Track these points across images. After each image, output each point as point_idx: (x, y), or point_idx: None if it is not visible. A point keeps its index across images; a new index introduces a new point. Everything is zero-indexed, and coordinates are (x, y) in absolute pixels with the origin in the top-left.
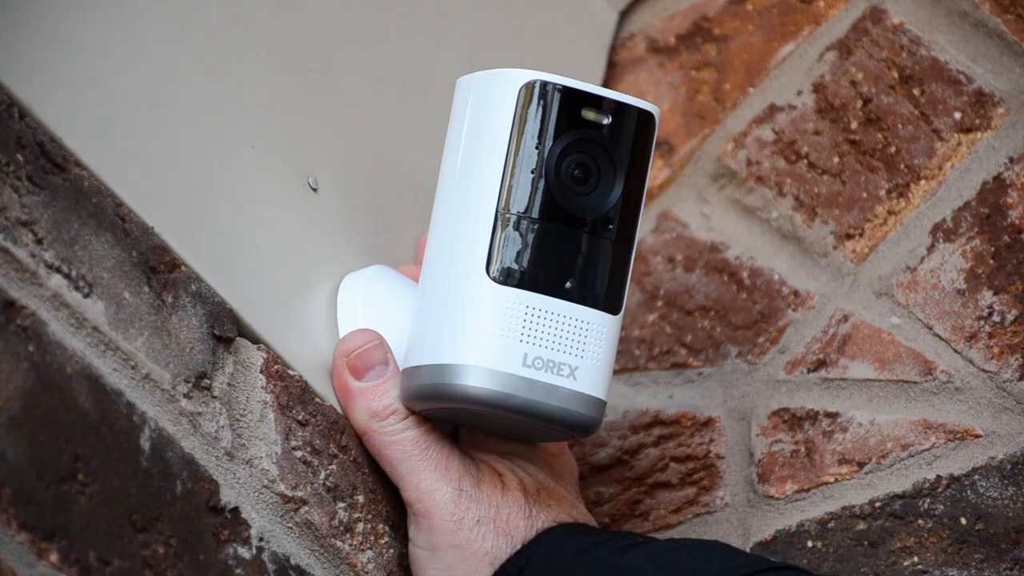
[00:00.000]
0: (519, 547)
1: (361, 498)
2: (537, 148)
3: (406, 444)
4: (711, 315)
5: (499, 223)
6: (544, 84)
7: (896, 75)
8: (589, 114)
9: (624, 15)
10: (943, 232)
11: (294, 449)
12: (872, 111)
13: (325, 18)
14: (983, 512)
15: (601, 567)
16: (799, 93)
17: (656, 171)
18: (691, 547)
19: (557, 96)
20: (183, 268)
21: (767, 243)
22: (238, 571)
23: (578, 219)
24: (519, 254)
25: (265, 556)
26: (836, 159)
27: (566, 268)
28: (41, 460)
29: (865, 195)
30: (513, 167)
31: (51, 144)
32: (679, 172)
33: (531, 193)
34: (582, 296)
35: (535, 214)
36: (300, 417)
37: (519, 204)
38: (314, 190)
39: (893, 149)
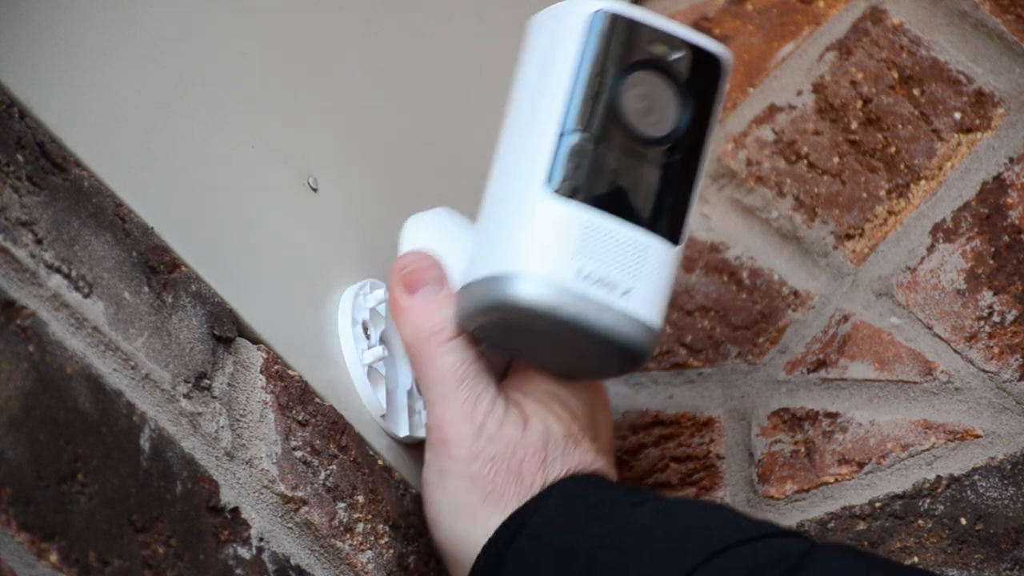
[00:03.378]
0: (528, 489)
1: (361, 498)
2: (604, 74)
3: (444, 369)
4: (711, 315)
5: (562, 140)
6: (615, 15)
7: (896, 75)
8: (659, 48)
9: None
10: (943, 232)
11: (294, 449)
12: (872, 111)
13: (325, 18)
14: (983, 512)
15: (610, 522)
16: (799, 93)
17: None
18: (701, 508)
19: (628, 28)
20: (183, 268)
21: (767, 243)
22: (238, 571)
23: (643, 144)
24: (581, 172)
25: (265, 556)
26: (836, 159)
27: (628, 190)
28: (41, 460)
29: (865, 195)
30: (580, 90)
31: (51, 144)
32: None
33: (597, 116)
34: (643, 220)
35: (599, 136)
36: (300, 417)
37: (584, 124)
38: (314, 190)
39: (893, 149)
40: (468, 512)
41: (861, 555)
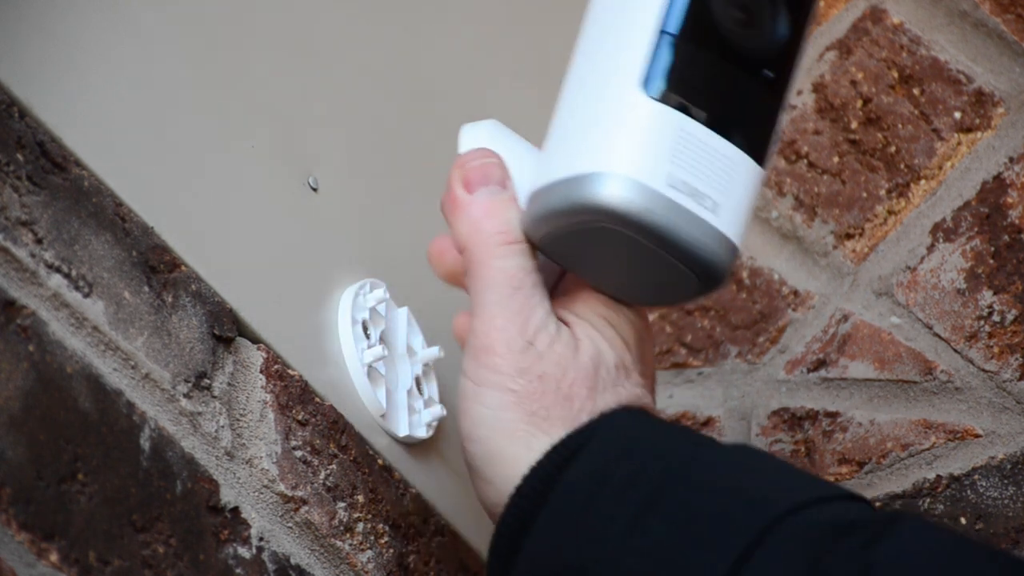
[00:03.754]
0: (576, 415)
1: (361, 498)
2: None
3: (501, 273)
4: (711, 315)
5: (659, 43)
6: None
7: (896, 75)
8: None
9: None
10: (943, 232)
11: (294, 449)
12: (872, 111)
13: (325, 17)
14: (983, 512)
15: (678, 457)
16: (799, 93)
17: None
18: (769, 458)
19: None
20: (183, 268)
21: (767, 243)
22: (238, 571)
23: (738, 58)
24: (676, 77)
25: (265, 556)
26: (836, 159)
27: (721, 103)
28: (41, 460)
29: (865, 195)
30: None
31: (51, 144)
32: None
33: (695, 23)
34: (733, 135)
35: (697, 43)
36: (300, 417)
37: (682, 30)
38: (314, 190)
39: (893, 149)
40: (508, 429)
41: (947, 531)
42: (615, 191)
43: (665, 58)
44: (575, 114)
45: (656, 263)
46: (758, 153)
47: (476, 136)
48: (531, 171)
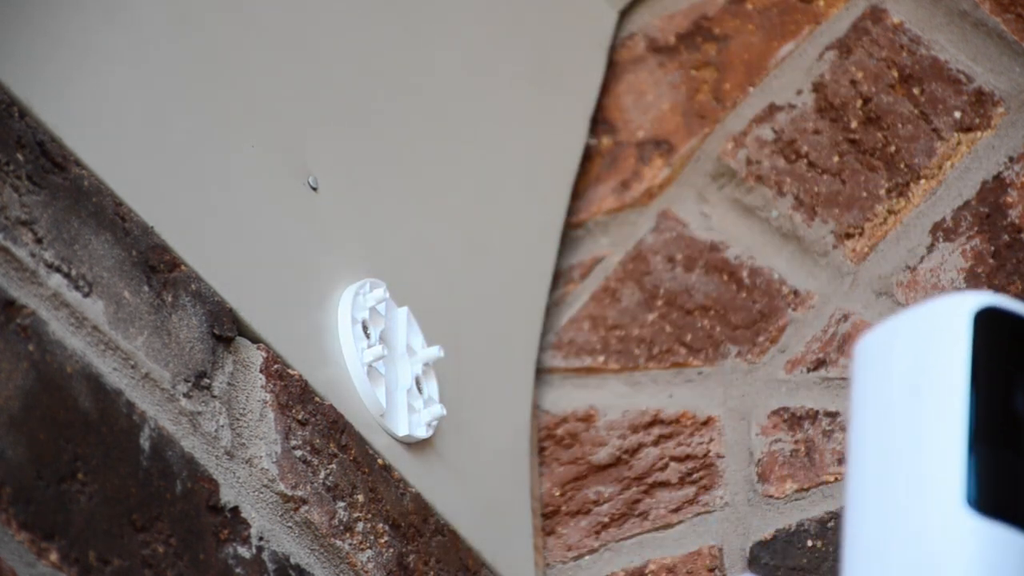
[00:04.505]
0: None
1: (361, 497)
2: (1002, 379)
3: None
4: (711, 315)
5: (973, 453)
6: (1003, 312)
7: (896, 74)
8: None
9: (624, 15)
10: (943, 231)
11: (294, 448)
12: (872, 110)
13: (325, 17)
14: None
15: None
16: (799, 92)
17: (656, 171)
18: None
19: (1018, 324)
20: (183, 268)
21: (767, 242)
22: (238, 570)
23: None
24: (1004, 488)
25: (265, 555)
26: (836, 158)
27: None
28: (41, 460)
29: (865, 194)
30: (980, 398)
31: (51, 144)
32: (679, 172)
33: (1005, 426)
34: None
35: (1013, 453)
36: (300, 416)
37: (994, 436)
38: (314, 190)
39: (893, 148)
40: None
41: None
42: None
43: (985, 469)
44: (887, 545)
45: None
46: None
47: None
48: None
